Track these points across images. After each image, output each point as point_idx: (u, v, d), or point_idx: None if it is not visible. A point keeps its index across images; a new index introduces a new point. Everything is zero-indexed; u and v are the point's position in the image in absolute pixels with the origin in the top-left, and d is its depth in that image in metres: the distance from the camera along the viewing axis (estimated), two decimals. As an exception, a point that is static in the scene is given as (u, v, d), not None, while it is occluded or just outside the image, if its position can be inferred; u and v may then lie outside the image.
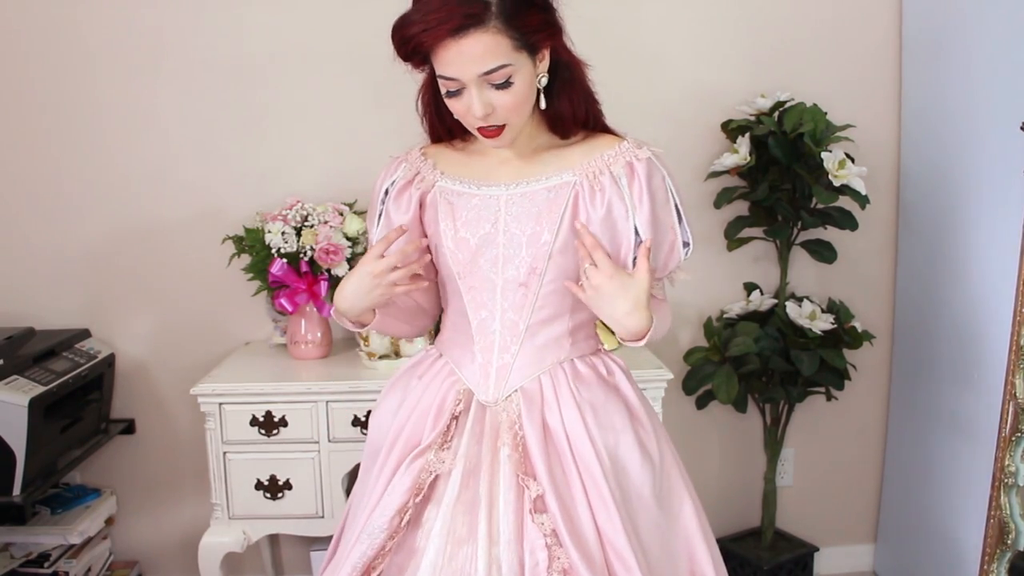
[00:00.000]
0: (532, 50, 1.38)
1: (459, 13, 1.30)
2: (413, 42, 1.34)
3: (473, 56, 1.32)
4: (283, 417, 2.23)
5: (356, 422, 2.23)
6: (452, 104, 1.40)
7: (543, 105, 1.44)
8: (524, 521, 1.37)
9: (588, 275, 1.41)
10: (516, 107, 1.38)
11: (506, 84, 1.36)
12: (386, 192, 1.55)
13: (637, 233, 1.45)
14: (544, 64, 1.41)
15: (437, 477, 1.43)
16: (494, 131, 1.40)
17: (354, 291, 1.46)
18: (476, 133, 1.43)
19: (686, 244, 1.52)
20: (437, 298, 1.63)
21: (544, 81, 1.42)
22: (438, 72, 1.37)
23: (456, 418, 1.47)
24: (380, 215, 1.56)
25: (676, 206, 1.49)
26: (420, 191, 1.53)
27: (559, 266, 1.46)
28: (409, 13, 1.34)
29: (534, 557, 1.35)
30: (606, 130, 1.53)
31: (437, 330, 1.65)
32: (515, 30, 1.33)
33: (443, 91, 1.40)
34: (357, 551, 1.41)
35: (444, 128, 1.55)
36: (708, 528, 1.55)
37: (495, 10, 1.31)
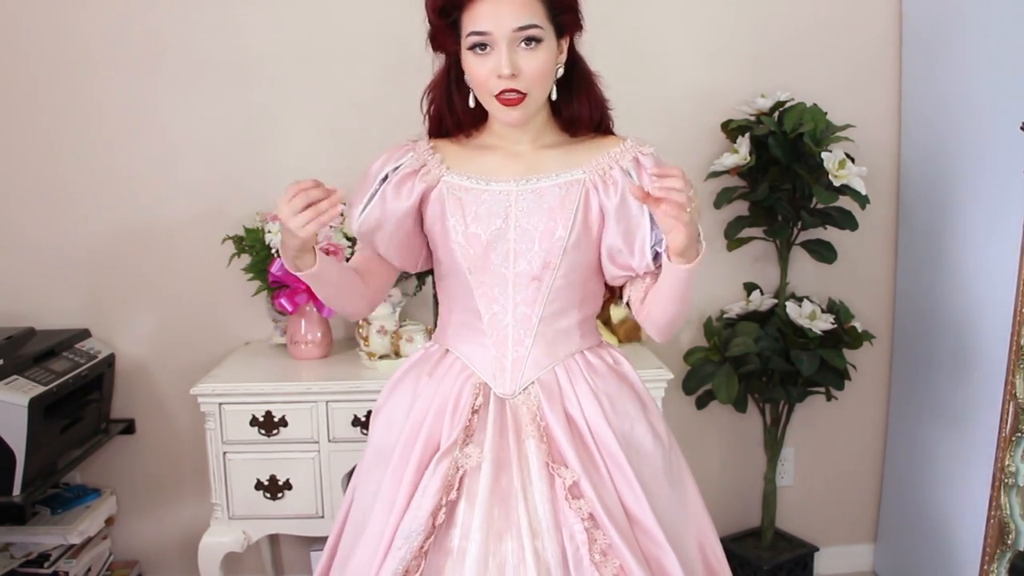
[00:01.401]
0: (559, 30, 1.45)
1: None
2: None
3: (512, 9, 1.39)
4: (283, 417, 2.22)
5: (356, 422, 2.23)
6: (476, 66, 1.43)
7: (554, 96, 1.48)
8: (559, 509, 1.41)
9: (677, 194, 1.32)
10: (540, 76, 1.42)
11: (536, 43, 1.41)
12: (386, 176, 1.54)
13: (653, 223, 1.47)
14: (563, 57, 1.48)
15: (465, 472, 1.44)
16: (515, 98, 1.42)
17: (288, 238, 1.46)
18: (494, 105, 1.44)
19: None
20: (385, 284, 1.63)
21: (560, 72, 1.48)
22: (469, 29, 1.41)
23: (476, 412, 1.49)
24: (374, 195, 1.54)
25: None
26: (425, 184, 1.53)
27: (572, 260, 1.50)
28: None
29: (574, 542, 1.39)
30: (609, 133, 1.57)
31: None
32: (550, 0, 1.42)
33: (468, 48, 1.42)
34: (395, 557, 1.40)
35: (453, 120, 1.55)
36: (705, 506, 1.62)
37: None
